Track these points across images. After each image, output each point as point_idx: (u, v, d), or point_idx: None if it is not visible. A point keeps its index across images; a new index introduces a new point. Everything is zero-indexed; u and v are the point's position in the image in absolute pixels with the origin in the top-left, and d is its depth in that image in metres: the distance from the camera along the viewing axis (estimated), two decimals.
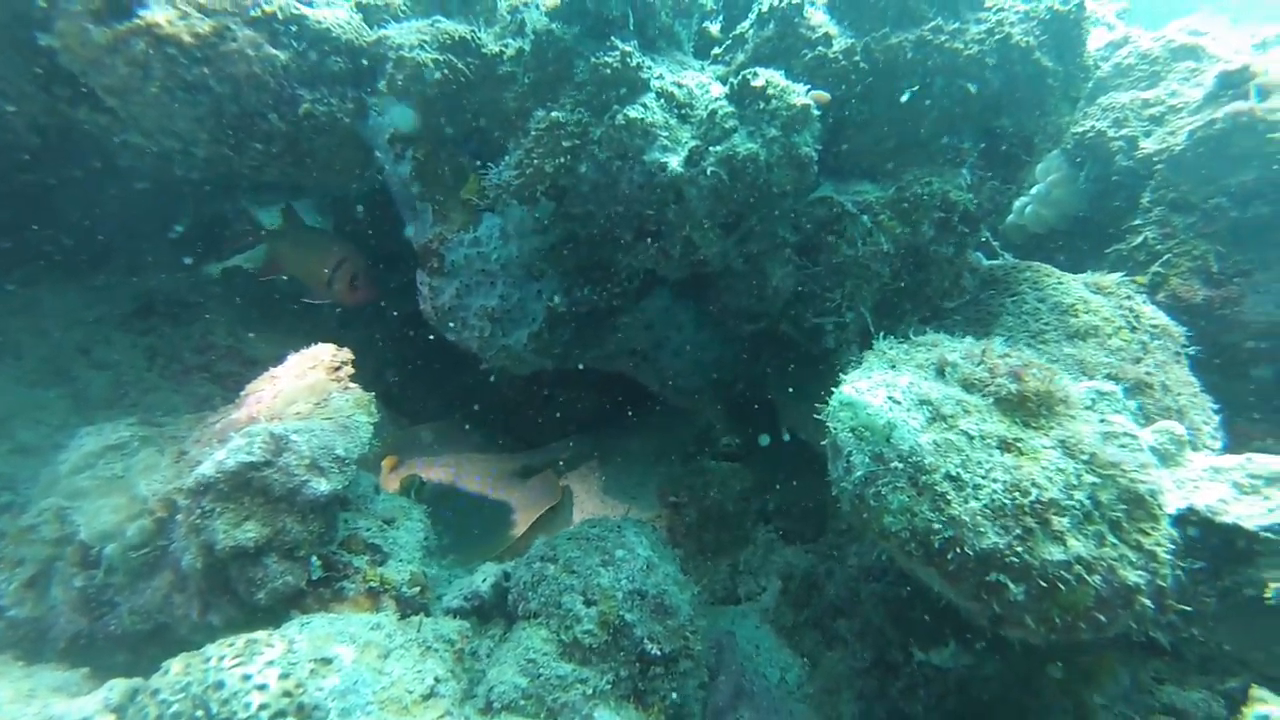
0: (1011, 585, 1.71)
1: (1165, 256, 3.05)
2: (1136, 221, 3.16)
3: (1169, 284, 3.02)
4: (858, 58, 2.46)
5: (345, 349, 2.78)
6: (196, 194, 3.94)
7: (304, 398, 2.52)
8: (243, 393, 2.72)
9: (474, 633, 2.42)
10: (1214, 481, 1.89)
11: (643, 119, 2.32)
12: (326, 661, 1.90)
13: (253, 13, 2.54)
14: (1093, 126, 3.26)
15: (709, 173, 2.28)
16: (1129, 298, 2.67)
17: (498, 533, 3.47)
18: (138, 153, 2.93)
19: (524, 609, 2.42)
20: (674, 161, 2.32)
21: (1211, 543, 1.84)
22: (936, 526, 1.76)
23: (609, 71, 2.35)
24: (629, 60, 2.36)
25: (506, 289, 2.77)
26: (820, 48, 2.46)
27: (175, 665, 1.75)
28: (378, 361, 4.39)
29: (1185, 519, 1.85)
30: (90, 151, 3.18)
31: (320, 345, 2.78)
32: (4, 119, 2.79)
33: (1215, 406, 2.67)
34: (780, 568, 3.47)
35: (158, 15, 2.36)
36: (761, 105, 2.28)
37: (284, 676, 1.76)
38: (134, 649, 2.29)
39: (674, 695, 2.34)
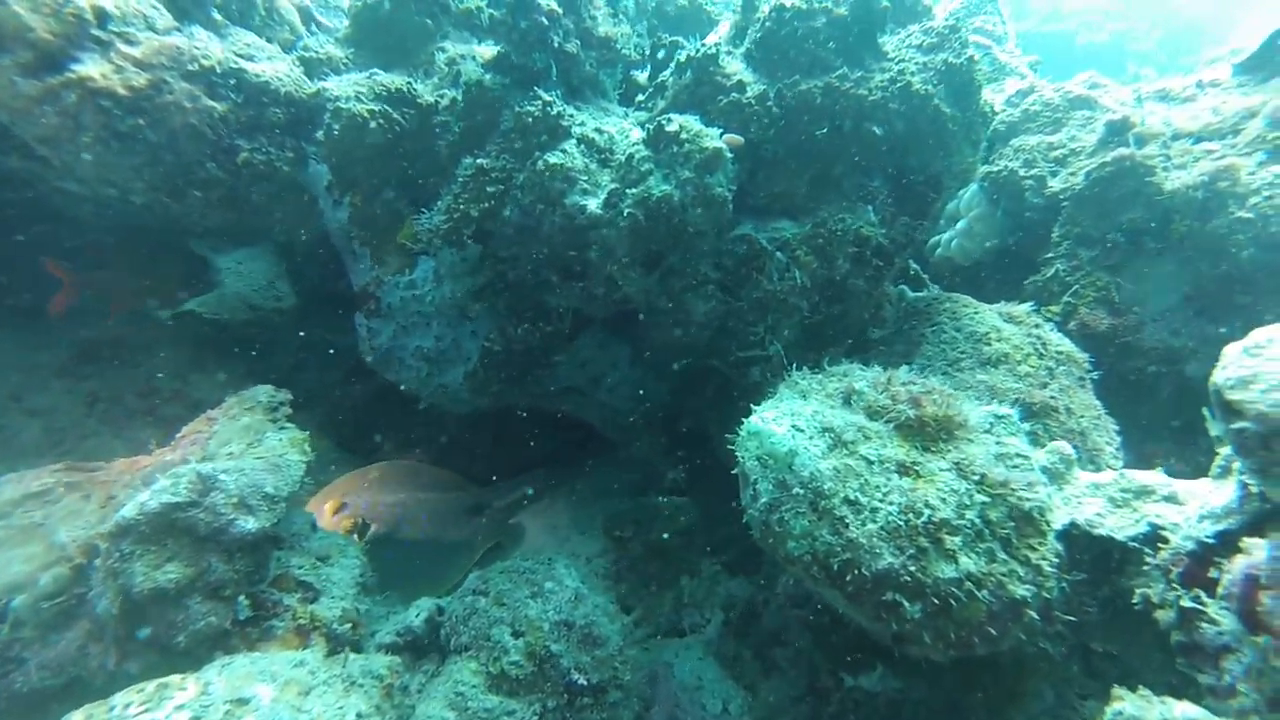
0: (907, 603, 1.79)
1: (1074, 287, 3.21)
2: (1049, 255, 3.34)
3: (1078, 313, 3.18)
4: (770, 103, 2.61)
5: (284, 391, 2.83)
6: (145, 241, 3.97)
7: (238, 438, 2.55)
8: (178, 435, 2.73)
9: (406, 668, 2.42)
10: (1093, 496, 1.99)
11: (563, 164, 2.44)
12: (243, 702, 1.91)
13: (190, 67, 2.63)
14: (1006, 166, 3.45)
15: (626, 214, 2.39)
16: (1037, 326, 2.81)
17: (443, 572, 3.48)
18: (74, 200, 2.98)
19: (456, 642, 2.44)
20: (593, 204, 2.43)
21: (1091, 554, 1.94)
22: (836, 549, 1.84)
23: (530, 120, 2.47)
24: (550, 109, 2.48)
25: (441, 329, 2.84)
26: (734, 94, 2.61)
27: (76, 717, 1.74)
28: (331, 404, 4.41)
29: (1069, 533, 1.95)
30: (27, 200, 3.21)
31: (259, 387, 2.82)
32: None
33: (1117, 428, 2.80)
34: (723, 600, 3.51)
35: (91, 69, 2.43)
36: (675, 149, 2.41)
37: None
38: (42, 707, 2.23)
39: None
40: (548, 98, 2.51)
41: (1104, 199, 3.16)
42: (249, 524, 2.20)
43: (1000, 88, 3.99)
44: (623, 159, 2.49)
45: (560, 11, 2.64)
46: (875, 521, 1.84)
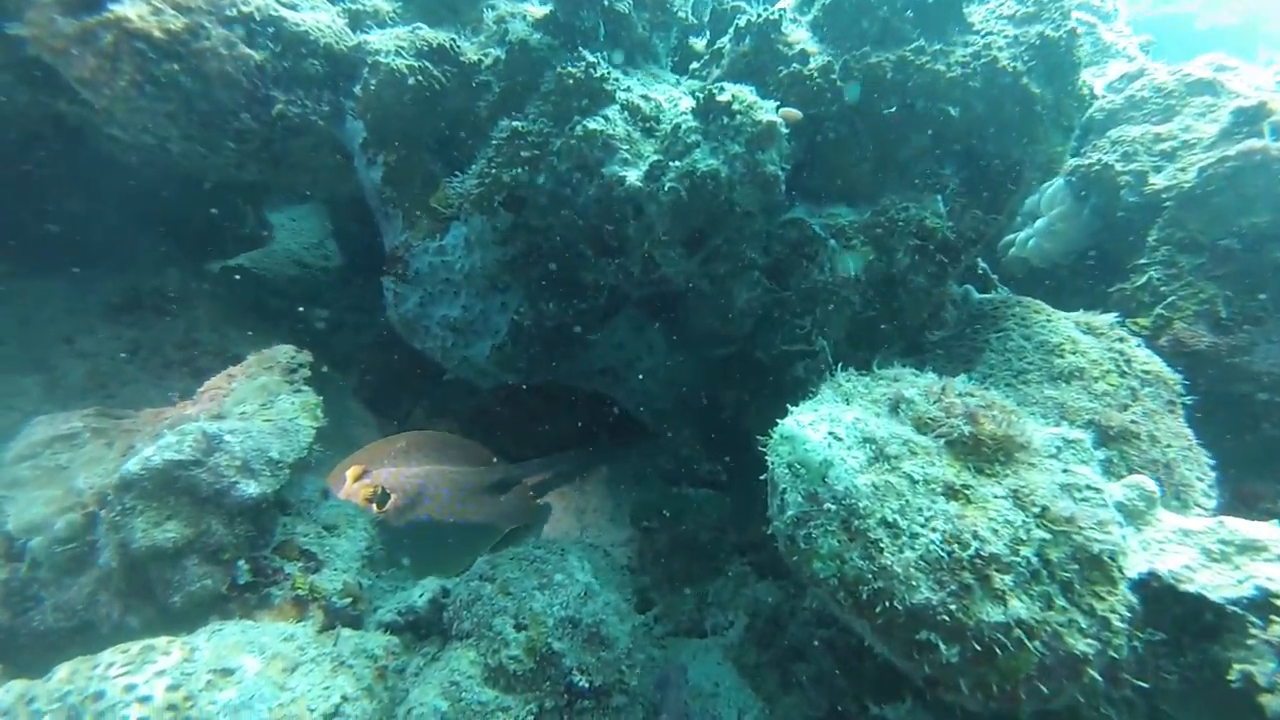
0: (944, 646, 1.57)
1: (1170, 299, 2.86)
2: (1142, 260, 2.98)
3: (1172, 328, 2.83)
4: (835, 76, 2.37)
5: (305, 352, 2.75)
6: (200, 193, 3.99)
7: (253, 398, 2.48)
8: (200, 389, 2.70)
9: (405, 649, 2.33)
10: (1182, 545, 1.72)
11: (603, 130, 2.26)
12: (227, 673, 1.83)
13: (229, 12, 2.54)
14: (1099, 159, 3.09)
15: (668, 188, 2.20)
16: (1121, 340, 2.50)
17: (461, 550, 3.39)
18: (122, 147, 2.96)
19: (458, 628, 2.33)
20: (633, 176, 2.25)
21: (1174, 613, 1.67)
22: (867, 576, 1.63)
23: (571, 82, 2.29)
24: (593, 71, 2.29)
25: (469, 300, 2.71)
26: (796, 64, 2.38)
27: (62, 671, 1.69)
28: (365, 366, 4.37)
29: (1147, 585, 1.68)
30: (83, 147, 3.22)
31: (280, 346, 2.75)
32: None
33: (1212, 462, 2.48)
34: (749, 603, 3.32)
35: (128, 10, 2.37)
36: (726, 120, 2.20)
37: (173, 688, 1.69)
38: (57, 647, 2.24)
39: None
40: (591, 59, 2.32)
41: (1220, 199, 2.78)
42: (250, 488, 2.12)
43: (1101, 71, 3.59)
44: (668, 129, 2.29)
45: None
46: (914, 549, 1.63)
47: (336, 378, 4.46)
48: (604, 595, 2.39)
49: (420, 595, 2.46)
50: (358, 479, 3.46)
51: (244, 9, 2.57)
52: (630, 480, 4.18)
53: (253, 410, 2.40)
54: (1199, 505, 2.38)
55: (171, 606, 2.04)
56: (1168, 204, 2.93)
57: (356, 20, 2.97)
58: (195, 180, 3.68)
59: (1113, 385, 2.36)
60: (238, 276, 4.44)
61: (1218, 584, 1.63)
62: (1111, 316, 2.56)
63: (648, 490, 4.00)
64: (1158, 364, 2.49)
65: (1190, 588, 1.63)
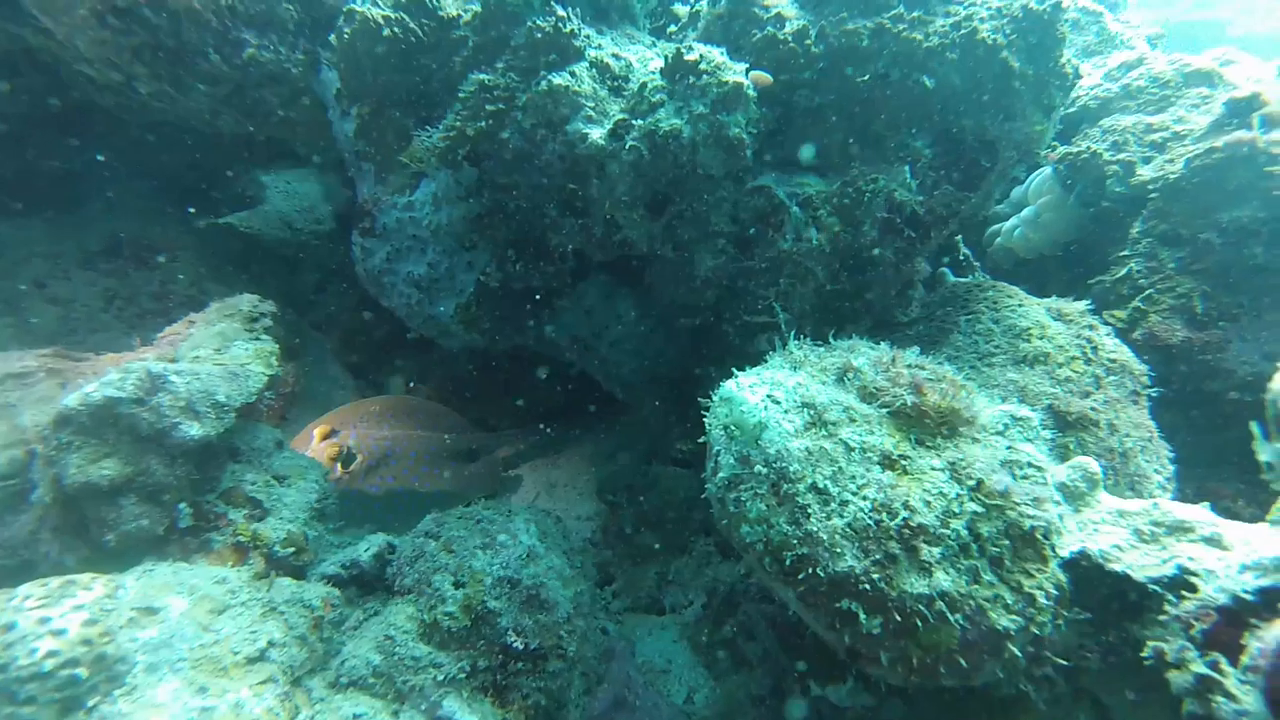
0: (865, 615, 1.54)
1: (1147, 291, 2.80)
2: (1124, 253, 2.91)
3: (1147, 321, 2.77)
4: (810, 41, 2.31)
5: (268, 301, 2.73)
6: (192, 149, 3.97)
7: (209, 343, 2.47)
8: (160, 335, 2.68)
9: (347, 603, 2.31)
10: (1116, 525, 1.68)
11: (568, 86, 2.21)
12: (151, 611, 1.82)
13: None
14: (1087, 148, 3.02)
15: (629, 147, 2.16)
16: (1090, 327, 2.44)
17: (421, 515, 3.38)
18: (96, 87, 2.94)
19: (400, 583, 2.31)
20: (596, 134, 2.20)
21: (1100, 592, 1.63)
22: (792, 542, 1.60)
23: (540, 36, 2.25)
24: (563, 25, 2.25)
25: (436, 257, 2.68)
26: (770, 28, 2.32)
27: None
28: (348, 330, 4.36)
29: (1077, 563, 1.64)
30: (58, 85, 3.19)
31: (243, 295, 2.73)
32: None
33: (1172, 455, 2.43)
34: (709, 582, 3.30)
35: None
36: (693, 80, 2.15)
37: (90, 623, 1.68)
38: None
39: (540, 697, 2.20)
40: (562, 13, 2.27)
41: (1204, 191, 2.71)
42: (193, 429, 2.11)
43: (1104, 60, 3.51)
44: (635, 88, 2.25)
45: None
46: (842, 517, 1.59)
47: (319, 340, 4.45)
48: (548, 559, 2.37)
49: (365, 550, 2.44)
50: (325, 438, 3.45)
51: None
52: (605, 456, 4.16)
53: (206, 355, 2.38)
54: (1153, 497, 2.34)
55: (106, 545, 2.03)
56: (1153, 195, 2.86)
57: None
58: (187, 134, 3.66)
59: (1077, 372, 2.31)
60: (223, 233, 4.43)
61: (1143, 563, 1.59)
62: (1082, 304, 2.51)
63: (619, 466, 3.98)
64: (1125, 353, 2.44)
65: (1117, 566, 1.59)
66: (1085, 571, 1.63)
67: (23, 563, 2.23)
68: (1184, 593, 1.52)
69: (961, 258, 3.28)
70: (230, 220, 4.75)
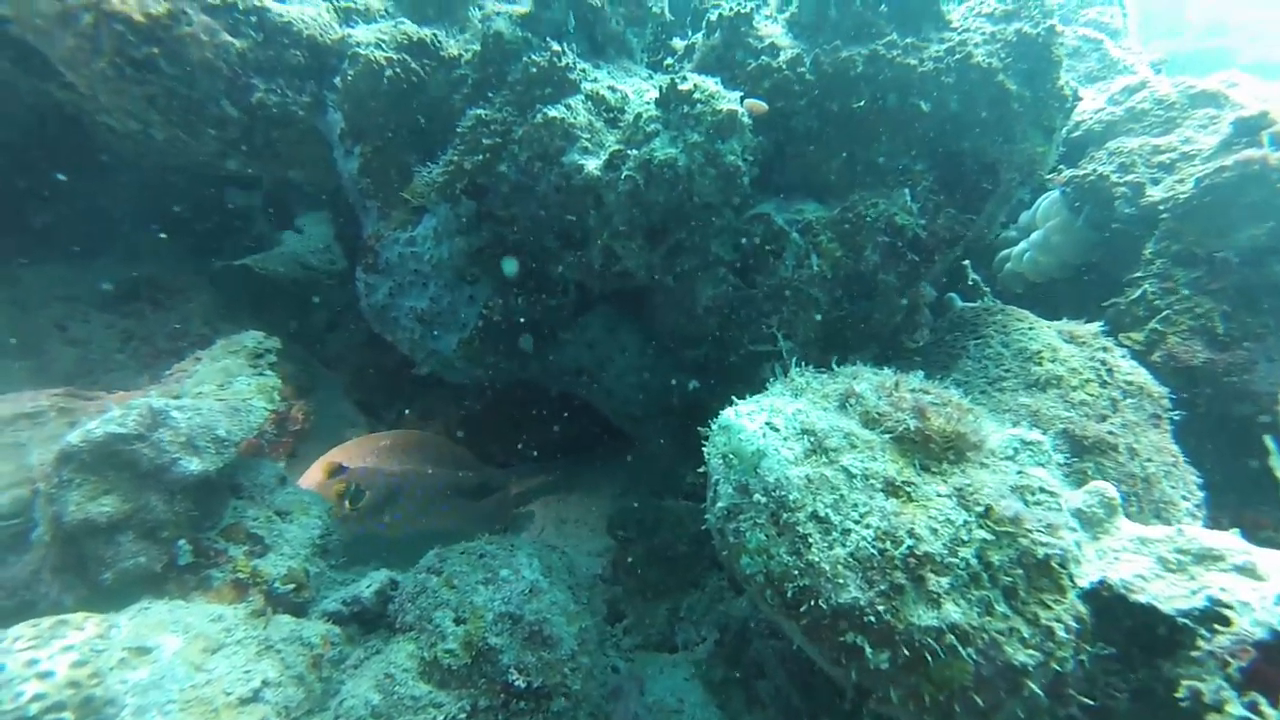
0: (871, 650, 1.47)
1: (1164, 313, 2.73)
2: (1137, 274, 2.85)
3: (1166, 342, 2.69)
4: (804, 69, 2.32)
5: (273, 338, 2.75)
6: (201, 188, 4.07)
7: (212, 379, 2.48)
8: (168, 372, 2.71)
9: (348, 641, 2.27)
10: (1138, 554, 1.60)
11: (563, 118, 2.23)
12: (143, 651, 1.80)
13: (212, 0, 2.59)
14: (1094, 170, 2.99)
15: (624, 177, 2.16)
16: (1104, 350, 2.38)
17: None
18: (116, 136, 3.03)
19: (401, 620, 2.27)
20: (592, 165, 2.22)
21: (1125, 625, 1.55)
22: (793, 572, 1.54)
23: (536, 70, 2.29)
24: (558, 60, 2.28)
25: (438, 291, 2.69)
26: (765, 57, 2.34)
27: None
28: (358, 366, 4.39)
29: (1097, 594, 1.56)
30: (83, 135, 3.30)
31: (249, 331, 2.76)
32: None
33: (1200, 480, 2.33)
34: (722, 618, 3.21)
35: None
36: (686, 109, 2.16)
37: (79, 664, 1.66)
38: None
39: None
40: (557, 48, 2.31)
41: (1217, 210, 2.65)
42: (192, 465, 2.10)
43: (1107, 85, 3.49)
44: (630, 119, 2.26)
45: None
46: (845, 546, 1.53)
47: (330, 377, 4.48)
48: (551, 594, 2.31)
49: (368, 586, 2.40)
50: (333, 473, 3.44)
51: None
52: (613, 489, 4.11)
53: (209, 390, 2.39)
54: (1181, 525, 2.24)
55: (103, 583, 2.01)
56: (1164, 216, 2.81)
57: (347, 16, 3.02)
58: (205, 178, 3.76)
59: (1092, 395, 2.24)
60: (238, 274, 4.51)
61: (1170, 594, 1.50)
62: (1095, 326, 2.45)
63: (629, 501, 3.92)
64: (1142, 375, 2.36)
65: (1141, 598, 1.51)
66: (1107, 603, 1.55)
67: (23, 603, 2.22)
68: (1217, 626, 1.44)
69: (970, 283, 3.23)
70: (246, 262, 4.84)
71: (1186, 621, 1.44)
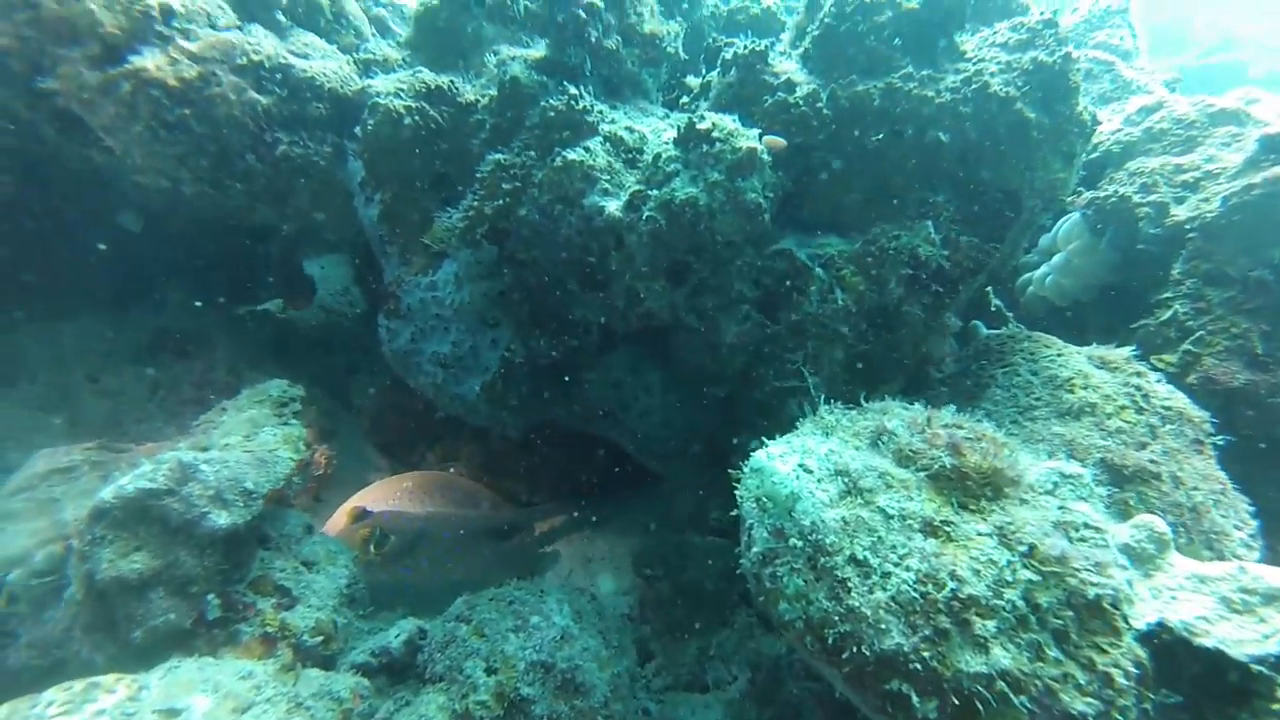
0: (917, 698, 1.42)
1: (1198, 334, 2.67)
2: (1166, 295, 2.80)
3: (1202, 364, 2.63)
4: (821, 104, 2.33)
5: (297, 386, 2.77)
6: (235, 239, 4.15)
7: (239, 430, 2.49)
8: (195, 423, 2.73)
9: (377, 693, 2.24)
10: (1197, 593, 1.54)
11: (583, 161, 2.25)
12: (173, 713, 1.77)
13: (240, 60, 2.66)
14: (1115, 191, 2.96)
15: (645, 218, 2.17)
16: (1138, 375, 2.33)
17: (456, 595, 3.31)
18: (146, 192, 3.10)
19: (431, 670, 2.24)
20: (612, 206, 2.23)
21: (1192, 671, 1.48)
22: (833, 618, 1.50)
23: (554, 114, 2.31)
24: (575, 103, 2.31)
25: (460, 335, 2.70)
26: (781, 94, 2.35)
27: (2, 711, 1.66)
28: (379, 409, 4.40)
29: (1156, 637, 1.50)
30: (115, 192, 3.39)
31: (273, 381, 2.78)
32: (32, 159, 3.01)
33: (1252, 508, 2.25)
34: (752, 656, 3.14)
35: (146, 61, 2.50)
36: (706, 148, 2.17)
37: None
38: (30, 685, 2.20)
39: None
40: (574, 92, 2.34)
41: (1248, 229, 2.61)
42: (221, 519, 2.10)
43: (1122, 106, 3.48)
44: (650, 160, 2.28)
45: (601, 6, 2.49)
46: (885, 590, 1.49)
47: (351, 421, 4.50)
48: (582, 640, 2.28)
49: (396, 636, 2.38)
50: (357, 518, 3.43)
51: (254, 57, 2.69)
52: (640, 527, 4.06)
53: (236, 441, 2.40)
54: (1237, 556, 2.16)
55: (133, 641, 2.01)
56: (1191, 235, 2.77)
57: (366, 67, 3.09)
58: (232, 229, 3.83)
59: (1128, 422, 2.19)
60: (260, 320, 4.56)
61: (1240, 638, 1.44)
62: (1127, 350, 2.40)
63: (655, 538, 3.87)
64: (1180, 400, 2.31)
65: (1207, 642, 1.45)
66: (1168, 646, 1.48)
67: (55, 662, 2.22)
68: None
69: (993, 309, 3.19)
70: (267, 306, 4.90)
71: (1262, 669, 1.37)
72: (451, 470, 4.26)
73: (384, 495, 3.67)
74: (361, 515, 3.39)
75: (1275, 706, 1.35)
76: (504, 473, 4.17)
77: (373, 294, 4.93)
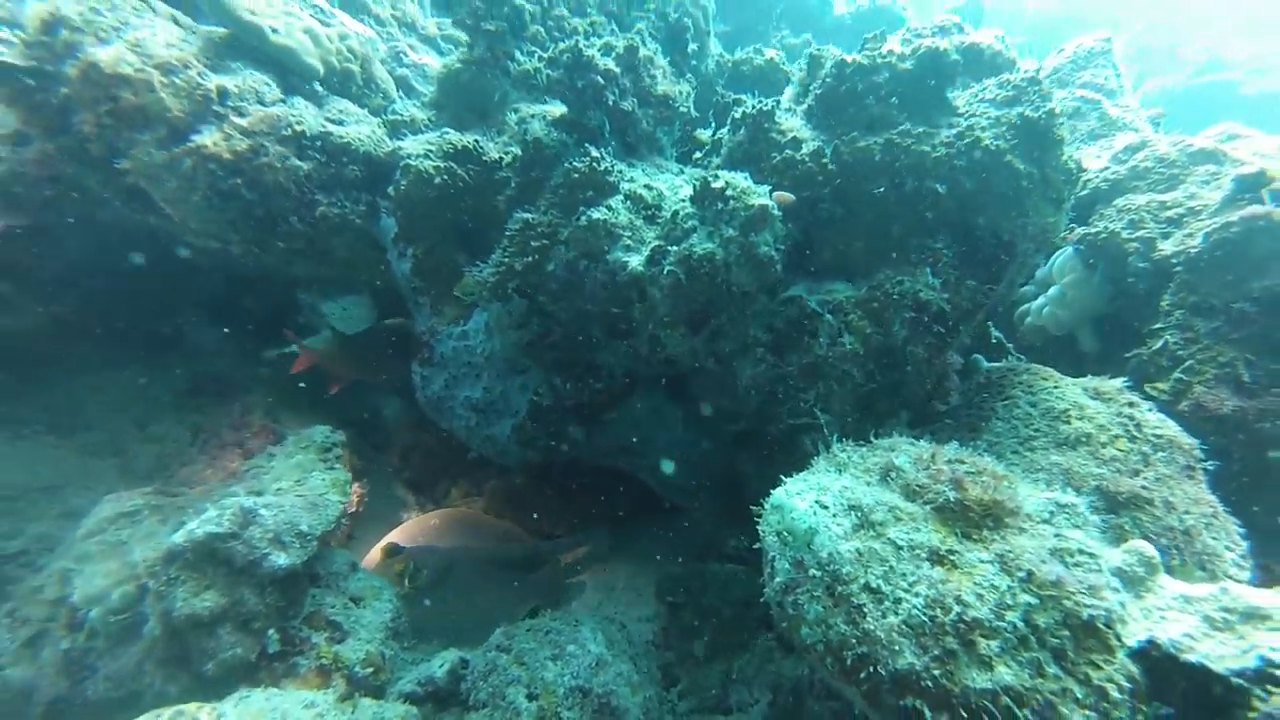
0: (930, 713, 1.57)
1: (1188, 363, 2.83)
2: (1157, 325, 2.97)
3: (1192, 392, 2.79)
4: (826, 160, 2.53)
5: (339, 432, 2.96)
6: (261, 286, 4.36)
7: (289, 475, 2.68)
8: (244, 467, 2.91)
9: (425, 719, 2.39)
10: (1184, 612, 1.68)
11: (606, 220, 2.45)
12: None
13: (285, 132, 2.89)
14: (1105, 227, 3.14)
15: (667, 272, 2.36)
16: (1131, 404, 2.48)
17: (489, 625, 3.46)
18: (196, 252, 3.32)
19: (474, 698, 2.39)
20: (635, 261, 2.42)
21: (1180, 686, 1.62)
22: (851, 641, 1.65)
23: (577, 175, 2.51)
24: (597, 164, 2.51)
25: (491, 381, 2.88)
26: (789, 150, 2.55)
27: None
28: (405, 447, 4.58)
29: (1147, 654, 1.64)
30: (165, 253, 3.61)
31: (317, 427, 2.96)
32: (99, 227, 3.23)
33: (1243, 531, 2.39)
34: (773, 678, 3.27)
35: (205, 139, 2.72)
36: (720, 206, 2.36)
37: None
38: (105, 716, 2.38)
39: None
40: (596, 154, 2.55)
41: (1229, 263, 2.78)
42: (281, 559, 2.28)
43: (1109, 144, 3.67)
44: (668, 216, 2.47)
45: (617, 71, 2.70)
46: (897, 614, 1.65)
47: (379, 459, 4.67)
48: (616, 666, 2.43)
49: (440, 666, 2.53)
50: (390, 554, 3.59)
51: (298, 128, 2.92)
52: (660, 556, 4.21)
53: (288, 486, 2.58)
54: (1229, 577, 2.30)
55: (206, 674, 2.17)
56: (1177, 269, 2.94)
57: (395, 129, 3.32)
58: (260, 276, 4.04)
59: (1122, 450, 2.34)
60: (289, 361, 4.76)
61: (1221, 654, 1.58)
62: (1119, 381, 2.56)
63: (675, 565, 4.01)
64: (1171, 428, 2.46)
65: (1192, 657, 1.59)
66: (1158, 663, 1.63)
67: (129, 694, 2.38)
68: (1269, 687, 1.51)
69: (993, 340, 3.36)
70: (294, 348, 5.10)
71: (1241, 682, 1.52)
72: (475, 504, 4.42)
73: (414, 532, 3.84)
74: (395, 551, 3.55)
75: (1253, 715, 1.49)
76: (526, 506, 4.33)
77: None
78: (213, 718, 1.94)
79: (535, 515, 4.28)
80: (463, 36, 3.11)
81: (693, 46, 3.35)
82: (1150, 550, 1.82)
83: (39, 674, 2.45)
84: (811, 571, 1.75)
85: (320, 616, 2.46)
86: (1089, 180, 3.44)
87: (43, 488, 3.15)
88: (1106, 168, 3.43)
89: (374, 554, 3.56)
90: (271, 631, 2.30)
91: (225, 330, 4.53)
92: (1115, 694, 1.59)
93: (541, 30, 2.95)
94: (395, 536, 3.74)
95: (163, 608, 2.18)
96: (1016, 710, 1.54)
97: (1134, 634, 1.68)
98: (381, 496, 4.43)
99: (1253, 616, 1.63)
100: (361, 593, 2.64)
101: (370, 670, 2.40)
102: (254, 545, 2.27)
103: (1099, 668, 1.61)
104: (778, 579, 1.81)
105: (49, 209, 2.91)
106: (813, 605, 1.72)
